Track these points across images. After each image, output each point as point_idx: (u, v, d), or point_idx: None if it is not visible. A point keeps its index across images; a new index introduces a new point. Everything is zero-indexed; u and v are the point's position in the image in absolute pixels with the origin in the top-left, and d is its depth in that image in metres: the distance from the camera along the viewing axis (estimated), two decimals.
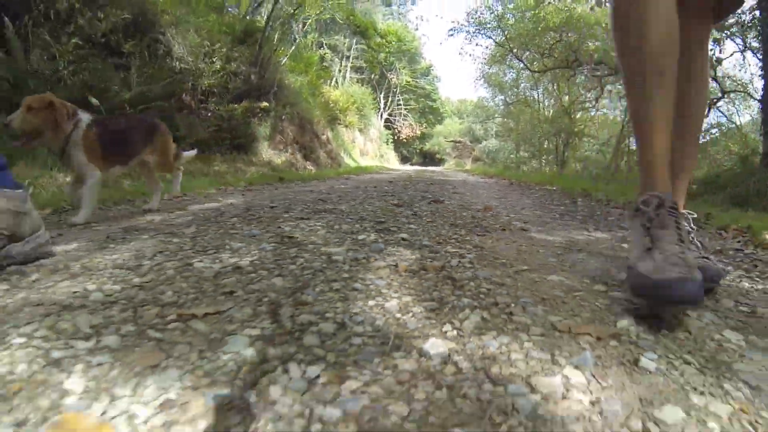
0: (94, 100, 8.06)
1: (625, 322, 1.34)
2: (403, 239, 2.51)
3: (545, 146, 24.22)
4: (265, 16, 16.69)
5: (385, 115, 44.76)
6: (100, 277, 1.68)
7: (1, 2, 7.37)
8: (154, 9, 10.77)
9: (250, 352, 1.08)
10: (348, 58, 38.46)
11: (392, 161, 37.76)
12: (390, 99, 45.77)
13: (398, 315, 1.35)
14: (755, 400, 0.96)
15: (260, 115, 13.26)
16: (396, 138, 45.96)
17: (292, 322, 1.26)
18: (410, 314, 1.37)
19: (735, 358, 1.16)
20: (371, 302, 1.45)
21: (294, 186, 7.36)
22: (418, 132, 48.95)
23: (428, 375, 1.00)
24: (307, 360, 1.05)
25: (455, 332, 1.24)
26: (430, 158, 52.77)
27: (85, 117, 3.32)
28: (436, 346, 1.14)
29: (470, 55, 55.68)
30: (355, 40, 37.62)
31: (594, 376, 1.02)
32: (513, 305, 1.46)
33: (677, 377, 1.04)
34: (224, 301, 1.42)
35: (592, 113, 22.22)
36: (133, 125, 3.77)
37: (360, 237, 2.53)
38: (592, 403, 0.91)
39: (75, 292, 1.50)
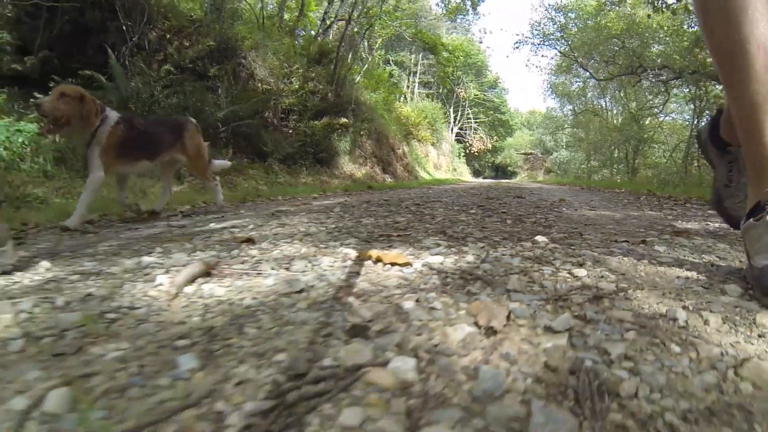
0: (192, 120, 9.26)
1: (651, 238, 2.24)
2: (503, 212, 3.47)
3: (615, 155, 24.33)
4: (338, 37, 17.87)
5: (455, 129, 45.36)
6: (302, 227, 2.70)
7: (100, 34, 8.79)
8: (235, 36, 11.99)
9: (441, 241, 2.05)
10: (415, 73, 39.37)
11: (465, 174, 38.12)
12: (459, 113, 46.29)
13: (514, 233, 2.31)
14: (721, 260, 1.84)
15: (339, 130, 14.36)
16: (468, 151, 46.30)
17: (456, 236, 2.23)
18: (521, 232, 2.32)
19: (717, 251, 2.04)
20: (496, 230, 2.42)
21: (386, 192, 8.43)
22: (489, 145, 49.06)
23: (539, 247, 1.94)
24: (473, 243, 2.02)
25: (549, 238, 2.17)
26: (502, 171, 52.87)
27: (112, 115, 3.41)
28: (541, 239, 2.09)
29: (537, 66, 55.83)
30: (421, 56, 38.52)
31: (628, 252, 1.92)
32: (582, 233, 2.38)
33: (676, 254, 1.92)
34: (404, 231, 2.41)
35: (661, 118, 22.24)
36: (160, 123, 4.02)
37: (471, 211, 3.51)
38: (624, 256, 1.82)
39: (293, 232, 2.51)
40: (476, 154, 48.27)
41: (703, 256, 1.87)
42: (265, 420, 0.66)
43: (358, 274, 1.49)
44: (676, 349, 0.91)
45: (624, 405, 0.70)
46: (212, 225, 2.94)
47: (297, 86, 13.58)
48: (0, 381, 0.79)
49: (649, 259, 1.76)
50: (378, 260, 1.64)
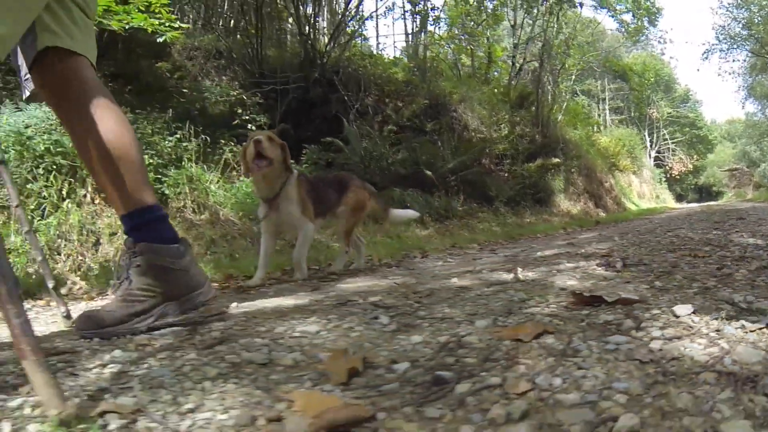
0: (428, 172, 10.76)
1: None
2: (736, 230, 5.34)
3: None
4: (530, 78, 19.02)
5: (653, 153, 43.48)
6: (618, 247, 4.76)
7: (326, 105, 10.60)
8: (442, 92, 13.69)
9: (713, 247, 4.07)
10: (604, 100, 39.73)
11: (669, 201, 36.09)
12: (655, 135, 44.35)
13: (753, 232, 4.28)
14: None
15: (552, 170, 15.42)
16: (668, 176, 44.00)
17: (719, 245, 4.25)
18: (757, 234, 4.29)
19: None
20: (738, 239, 4.39)
21: (615, 225, 10.35)
22: (690, 165, 46.10)
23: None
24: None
25: (763, 241, 4.12)
26: (705, 193, 49.19)
27: (294, 171, 3.46)
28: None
29: (729, 72, 53.20)
30: (606, 80, 37.78)
31: None
32: None
33: None
34: (684, 244, 4.43)
35: None
36: (327, 181, 4.02)
37: (714, 231, 5.40)
38: None
39: (624, 249, 4.59)
40: (677, 177, 45.32)
41: None
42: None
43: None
44: None
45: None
46: (538, 254, 5.07)
47: (506, 132, 14.98)
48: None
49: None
50: (695, 256, 3.71)
